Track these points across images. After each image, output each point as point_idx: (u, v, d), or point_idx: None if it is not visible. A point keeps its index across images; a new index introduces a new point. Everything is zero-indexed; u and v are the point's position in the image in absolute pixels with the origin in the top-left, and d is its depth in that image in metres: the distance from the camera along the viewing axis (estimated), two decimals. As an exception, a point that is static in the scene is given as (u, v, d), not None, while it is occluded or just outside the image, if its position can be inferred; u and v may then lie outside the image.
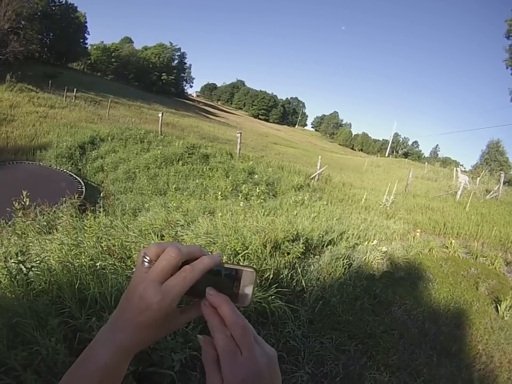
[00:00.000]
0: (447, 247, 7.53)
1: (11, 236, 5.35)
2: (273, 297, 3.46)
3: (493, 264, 7.14)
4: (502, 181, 17.23)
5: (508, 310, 5.12)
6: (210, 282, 0.52)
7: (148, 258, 0.50)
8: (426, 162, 39.74)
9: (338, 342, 3.42)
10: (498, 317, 5.09)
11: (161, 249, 0.50)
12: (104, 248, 3.98)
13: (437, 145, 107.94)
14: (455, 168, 27.29)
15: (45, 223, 5.74)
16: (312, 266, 4.61)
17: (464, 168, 45.68)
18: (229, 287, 0.52)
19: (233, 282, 0.52)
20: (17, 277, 2.78)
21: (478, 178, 22.15)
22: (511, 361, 4.12)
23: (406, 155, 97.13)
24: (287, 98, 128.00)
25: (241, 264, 0.56)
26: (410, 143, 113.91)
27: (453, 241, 7.69)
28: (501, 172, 23.14)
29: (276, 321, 3.35)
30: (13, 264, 2.93)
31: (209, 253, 0.53)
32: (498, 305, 5.30)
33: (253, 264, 4.00)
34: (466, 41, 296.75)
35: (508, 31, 26.87)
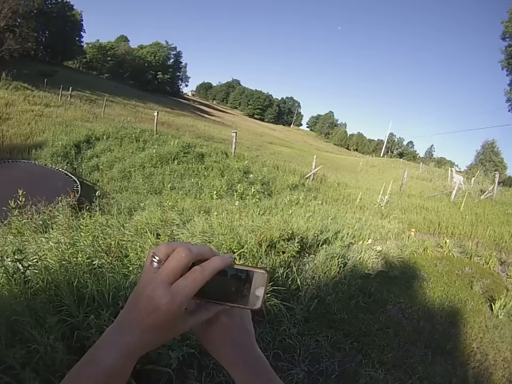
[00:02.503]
0: (442, 246, 7.59)
1: (7, 234, 5.33)
2: (268, 295, 3.48)
3: (487, 264, 7.19)
4: (496, 181, 17.37)
5: (502, 309, 5.17)
6: (220, 284, 0.51)
7: (157, 258, 0.49)
8: (421, 163, 39.95)
9: (333, 340, 3.45)
10: (493, 316, 5.14)
11: (171, 249, 0.49)
12: (101, 247, 3.98)
13: (432, 145, 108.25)
14: (450, 168, 27.47)
15: (40, 222, 5.71)
16: (307, 265, 4.64)
17: (459, 168, 46.00)
18: (239, 289, 0.51)
19: (244, 284, 0.51)
20: (14, 275, 2.77)
21: (473, 179, 22.39)
22: (505, 359, 4.16)
23: (401, 155, 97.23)
24: (282, 97, 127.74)
25: (252, 265, 0.56)
26: (405, 143, 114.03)
27: (448, 240, 7.75)
28: (496, 172, 23.34)
29: (271, 320, 3.37)
30: (10, 262, 2.92)
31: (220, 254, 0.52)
32: (492, 304, 5.34)
33: (248, 263, 4.01)
34: (462, 41, 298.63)
35: (503, 32, 27.07)
